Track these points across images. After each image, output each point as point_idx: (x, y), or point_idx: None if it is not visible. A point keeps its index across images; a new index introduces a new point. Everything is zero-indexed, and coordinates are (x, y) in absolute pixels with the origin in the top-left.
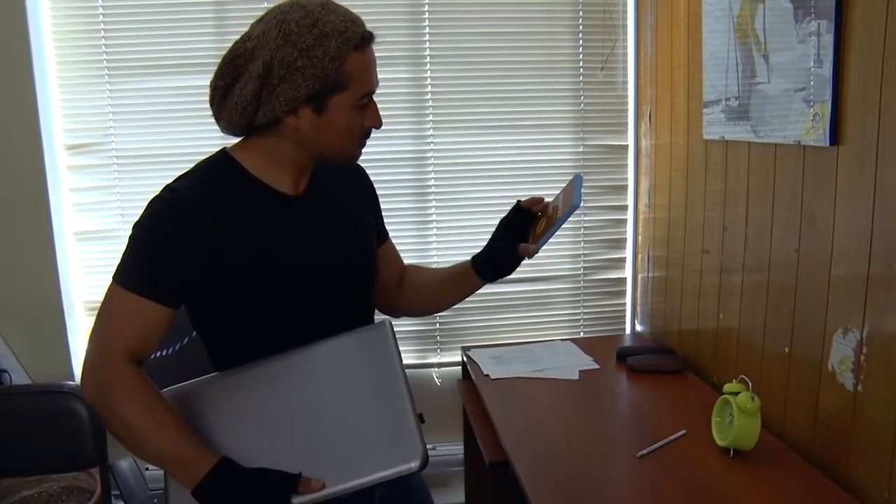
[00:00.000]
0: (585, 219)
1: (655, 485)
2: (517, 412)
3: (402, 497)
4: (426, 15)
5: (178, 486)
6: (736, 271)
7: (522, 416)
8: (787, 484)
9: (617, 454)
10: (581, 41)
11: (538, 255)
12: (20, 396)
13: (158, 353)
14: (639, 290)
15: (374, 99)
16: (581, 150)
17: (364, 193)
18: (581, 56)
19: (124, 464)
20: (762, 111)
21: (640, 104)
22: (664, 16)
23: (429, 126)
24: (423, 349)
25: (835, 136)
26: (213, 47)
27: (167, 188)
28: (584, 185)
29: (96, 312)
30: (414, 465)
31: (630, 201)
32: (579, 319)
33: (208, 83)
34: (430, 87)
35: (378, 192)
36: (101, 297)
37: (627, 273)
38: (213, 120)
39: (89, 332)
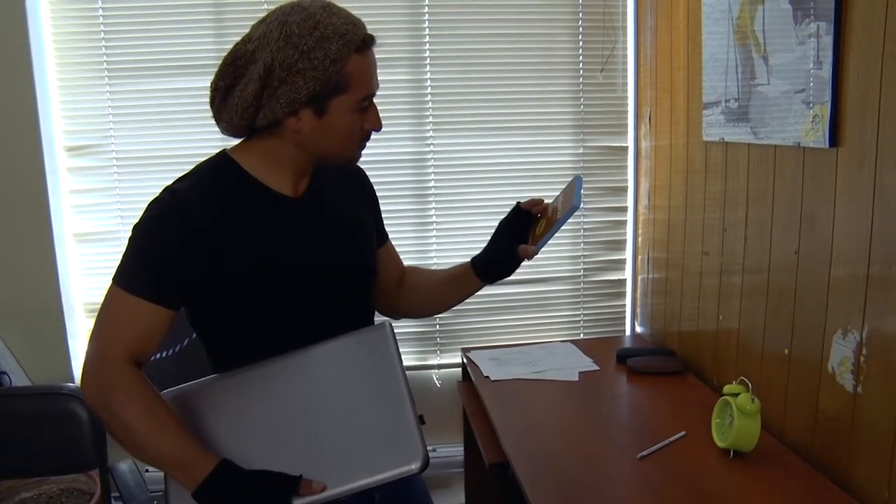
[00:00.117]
0: (585, 220)
1: (655, 486)
2: (517, 414)
3: (402, 499)
4: (426, 17)
5: (179, 487)
6: (736, 273)
7: (522, 417)
8: (787, 485)
9: (617, 455)
10: (581, 43)
11: (538, 256)
12: (20, 398)
13: (158, 355)
14: (639, 291)
15: (375, 101)
16: (581, 151)
17: (364, 195)
18: (581, 57)
19: (124, 466)
20: (762, 113)
21: (639, 106)
22: (664, 17)
23: (429, 128)
24: (423, 351)
25: (834, 137)
26: (213, 49)
27: (167, 190)
28: (583, 186)
29: (96, 314)
30: (415, 466)
31: (630, 203)
32: (579, 321)
33: (208, 85)
34: (429, 88)
35: (378, 194)
36: (101, 299)
37: (627, 274)
38: (213, 121)
39: (89, 333)
